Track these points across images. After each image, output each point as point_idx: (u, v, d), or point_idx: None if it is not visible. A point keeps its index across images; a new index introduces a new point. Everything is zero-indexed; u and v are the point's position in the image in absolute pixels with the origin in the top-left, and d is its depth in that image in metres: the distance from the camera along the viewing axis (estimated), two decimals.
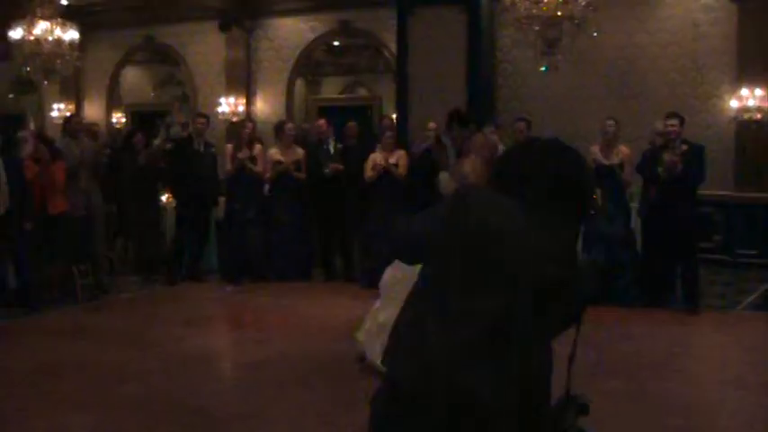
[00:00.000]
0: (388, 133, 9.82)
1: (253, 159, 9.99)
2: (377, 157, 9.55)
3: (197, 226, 10.06)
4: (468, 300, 2.23)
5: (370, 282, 8.80)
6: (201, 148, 10.13)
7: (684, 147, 8.14)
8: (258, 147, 10.22)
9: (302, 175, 10.05)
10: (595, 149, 8.72)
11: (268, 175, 10.06)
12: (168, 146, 10.54)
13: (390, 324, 2.89)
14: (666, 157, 8.09)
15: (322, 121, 10.69)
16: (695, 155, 8.15)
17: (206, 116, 10.83)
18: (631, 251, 8.72)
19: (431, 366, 2.21)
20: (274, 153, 10.10)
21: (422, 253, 2.41)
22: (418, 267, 2.43)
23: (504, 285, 2.22)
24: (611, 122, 8.73)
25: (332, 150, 10.15)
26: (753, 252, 10.79)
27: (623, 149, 8.69)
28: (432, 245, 2.34)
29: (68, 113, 16.02)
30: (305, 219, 10.19)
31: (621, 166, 8.61)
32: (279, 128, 10.45)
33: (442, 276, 2.30)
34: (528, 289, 2.25)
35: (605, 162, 8.59)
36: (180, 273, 9.94)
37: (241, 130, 10.62)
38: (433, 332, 2.24)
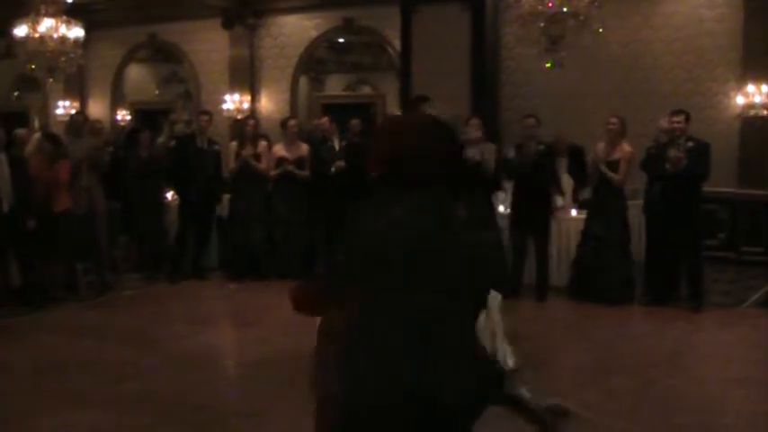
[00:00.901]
0: None
1: (257, 156, 9.97)
2: None
3: (199, 224, 10.04)
4: (415, 301, 2.21)
5: None
6: (204, 146, 10.10)
7: (690, 143, 8.11)
8: (263, 144, 10.14)
9: (305, 173, 10.02)
10: (600, 146, 8.69)
11: (273, 172, 10.04)
12: (171, 143, 10.52)
13: None
14: (671, 152, 8.06)
15: (324, 119, 10.67)
16: (700, 152, 8.11)
17: (209, 113, 10.81)
18: (622, 250, 8.66)
19: (388, 382, 2.19)
20: (278, 149, 10.10)
21: (355, 274, 2.37)
22: None
23: (446, 282, 2.21)
24: (614, 120, 8.69)
25: (336, 147, 10.14)
26: (758, 249, 10.76)
27: (625, 148, 8.64)
28: (367, 259, 2.31)
29: (73, 110, 16.10)
30: (308, 216, 10.17)
31: (617, 164, 8.55)
32: (284, 124, 10.44)
33: (385, 291, 2.26)
34: (473, 283, 2.24)
35: (603, 160, 8.57)
36: (182, 271, 9.92)
37: (244, 127, 10.57)
38: (383, 348, 2.22)
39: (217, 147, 10.38)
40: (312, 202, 10.09)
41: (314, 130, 11.36)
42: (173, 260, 9.97)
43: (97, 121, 12.63)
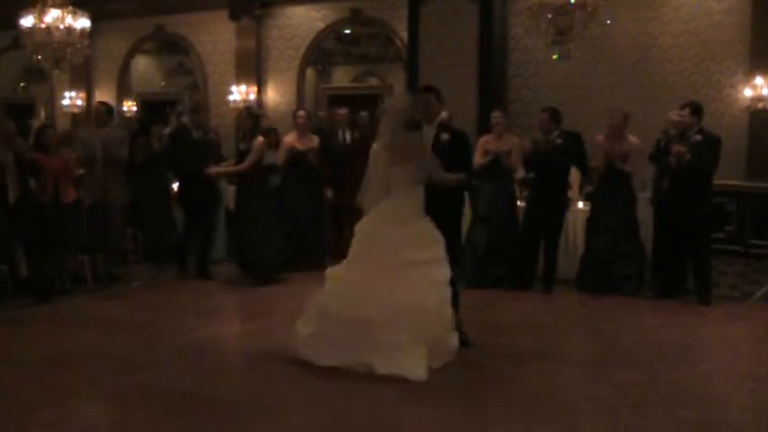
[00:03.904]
0: None
1: (242, 154, 9.35)
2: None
3: (202, 218, 9.63)
4: None
5: None
6: (199, 136, 9.59)
7: (699, 137, 8.06)
8: (259, 140, 9.24)
9: (316, 161, 9.97)
10: (601, 139, 8.68)
11: (281, 162, 9.97)
12: (166, 131, 10.40)
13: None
14: (673, 147, 8.03)
15: (343, 111, 10.51)
16: (707, 145, 8.05)
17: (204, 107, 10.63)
18: (635, 240, 8.67)
19: None
20: (290, 139, 10.04)
21: None
22: None
23: None
24: (617, 114, 8.69)
25: (348, 140, 10.06)
26: (765, 243, 10.74)
27: (632, 140, 8.64)
28: None
29: (78, 100, 16.11)
30: (318, 208, 10.13)
31: (627, 156, 8.55)
32: (294, 116, 10.39)
33: None
34: None
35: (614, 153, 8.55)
36: (187, 269, 9.66)
37: (241, 121, 9.94)
38: None
39: (212, 135, 10.12)
40: (321, 193, 10.07)
41: (325, 121, 11.27)
42: (178, 257, 9.76)
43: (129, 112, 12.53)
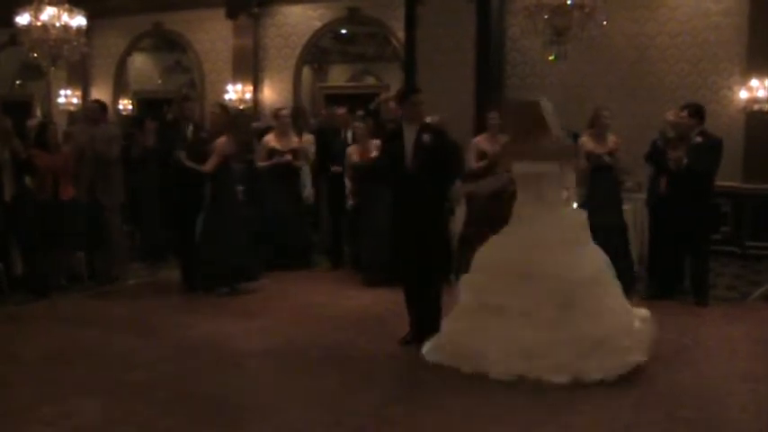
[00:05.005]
0: (357, 124, 9.46)
1: (203, 152, 8.60)
2: (353, 155, 9.34)
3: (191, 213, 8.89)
4: None
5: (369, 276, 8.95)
6: (188, 134, 8.95)
7: (699, 138, 8.01)
8: (220, 140, 8.49)
9: (300, 163, 9.86)
10: (586, 140, 8.62)
11: (262, 163, 9.85)
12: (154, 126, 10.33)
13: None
14: (670, 153, 8.01)
15: (342, 110, 10.43)
16: (709, 147, 8.00)
17: (191, 99, 10.42)
18: (624, 239, 8.68)
19: None
20: (269, 140, 9.86)
21: None
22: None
23: None
24: (607, 113, 8.63)
25: (350, 140, 10.01)
26: (762, 244, 10.75)
27: (615, 138, 8.60)
28: None
29: (74, 99, 16.08)
30: (300, 206, 10.02)
31: (614, 154, 8.54)
32: (276, 115, 10.09)
33: None
34: None
35: (600, 152, 8.52)
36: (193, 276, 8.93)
37: (215, 117, 9.18)
38: None
39: (204, 135, 9.85)
40: (319, 191, 10.05)
41: (325, 120, 11.20)
42: (183, 264, 9.04)
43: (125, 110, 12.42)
